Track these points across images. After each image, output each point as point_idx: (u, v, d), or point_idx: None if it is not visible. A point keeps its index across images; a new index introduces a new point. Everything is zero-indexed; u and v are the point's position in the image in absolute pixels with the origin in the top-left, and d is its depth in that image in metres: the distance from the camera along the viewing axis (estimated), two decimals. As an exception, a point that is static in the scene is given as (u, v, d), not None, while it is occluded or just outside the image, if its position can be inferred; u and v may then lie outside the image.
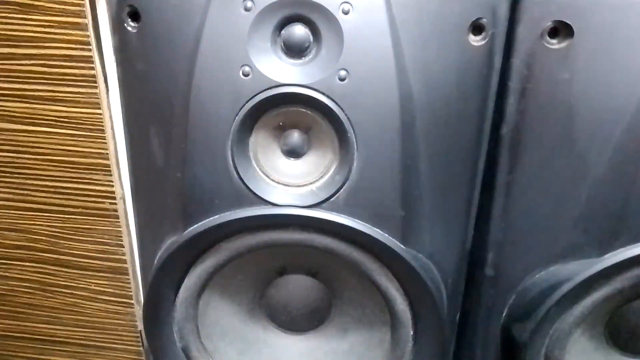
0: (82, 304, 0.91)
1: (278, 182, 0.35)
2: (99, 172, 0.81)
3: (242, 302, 0.43)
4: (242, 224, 0.34)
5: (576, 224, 0.37)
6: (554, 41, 0.36)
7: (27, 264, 0.90)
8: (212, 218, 0.35)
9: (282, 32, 0.33)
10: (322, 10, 0.32)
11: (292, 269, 0.42)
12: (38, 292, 0.92)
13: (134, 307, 0.91)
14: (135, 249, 0.86)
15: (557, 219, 0.38)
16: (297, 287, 0.42)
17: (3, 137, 0.80)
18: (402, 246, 0.36)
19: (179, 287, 0.39)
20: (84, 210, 0.84)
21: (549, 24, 0.36)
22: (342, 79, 0.33)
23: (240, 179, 0.34)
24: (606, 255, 0.36)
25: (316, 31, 0.32)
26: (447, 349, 0.42)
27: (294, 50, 0.33)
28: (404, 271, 0.36)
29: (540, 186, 0.38)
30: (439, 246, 0.39)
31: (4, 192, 0.85)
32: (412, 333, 0.39)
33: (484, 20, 0.35)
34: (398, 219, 0.35)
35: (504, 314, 0.41)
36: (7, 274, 0.92)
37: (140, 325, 0.92)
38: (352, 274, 0.40)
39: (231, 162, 0.34)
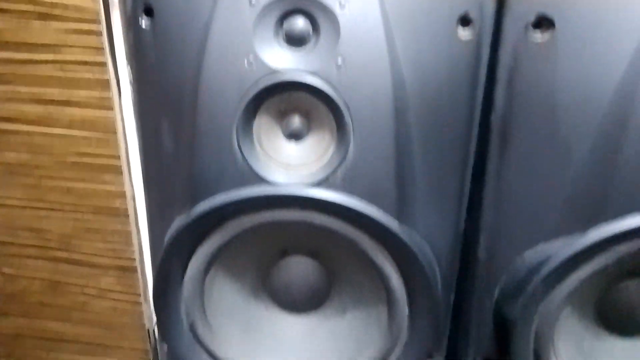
0: (92, 302, 0.94)
1: (280, 163, 0.38)
2: (111, 173, 0.84)
3: (245, 283, 0.45)
4: (245, 202, 0.37)
5: (562, 204, 0.39)
6: (538, 34, 0.39)
7: (40, 262, 0.92)
8: (218, 196, 0.38)
9: (284, 23, 0.36)
10: (320, 4, 0.35)
11: (294, 251, 0.44)
12: (49, 290, 0.95)
13: (141, 306, 0.93)
14: (145, 248, 0.89)
15: (544, 200, 0.40)
16: (299, 268, 0.44)
17: (19, 138, 0.83)
18: (396, 223, 0.38)
19: (186, 266, 0.41)
20: (95, 210, 0.87)
21: (532, 18, 0.38)
22: (339, 66, 0.35)
23: (245, 160, 0.37)
24: (589, 231, 0.37)
25: (315, 23, 0.35)
26: (443, 328, 0.44)
27: (295, 40, 0.35)
28: (398, 248, 0.39)
29: (528, 170, 0.40)
30: (433, 226, 0.41)
31: (19, 192, 0.88)
32: (407, 310, 0.41)
33: (472, 13, 0.38)
34: (393, 197, 0.38)
35: (496, 294, 0.43)
36: (19, 273, 0.94)
37: (147, 324, 0.94)
38: (350, 255, 0.42)
39: (236, 144, 0.37)
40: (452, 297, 0.45)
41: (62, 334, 0.96)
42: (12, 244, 0.92)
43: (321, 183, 0.37)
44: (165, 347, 0.46)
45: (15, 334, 0.99)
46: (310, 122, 0.37)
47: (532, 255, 0.40)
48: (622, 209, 0.37)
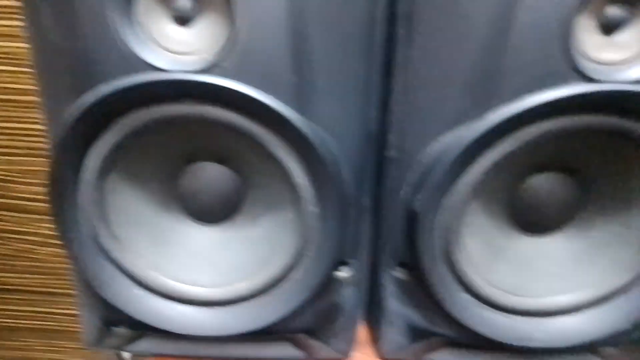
0: (35, 249, 0.91)
1: (167, 49, 0.35)
2: (40, 111, 0.80)
3: (153, 193, 0.43)
4: (128, 90, 0.34)
5: (462, 89, 0.37)
6: None
7: (-24, 209, 0.89)
8: (102, 87, 0.35)
9: None
10: None
11: (201, 158, 0.42)
12: (-11, 238, 0.91)
13: (86, 251, 0.91)
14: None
15: (446, 87, 0.38)
16: (207, 175, 0.42)
17: (-60, 76, 0.78)
18: (295, 114, 0.36)
19: (80, 170, 0.39)
20: (29, 151, 0.84)
21: None
22: None
23: (126, 44, 0.34)
24: (486, 116, 0.36)
25: None
26: (356, 230, 0.43)
27: None
28: (299, 141, 0.37)
29: (432, 54, 0.38)
30: (339, 121, 0.39)
31: (-54, 135, 0.83)
32: (317, 210, 0.39)
33: None
34: (291, 85, 0.36)
35: (405, 191, 0.41)
36: (-43, 221, 0.91)
37: (94, 270, 0.91)
38: (258, 157, 0.40)
39: (118, 27, 0.34)
40: (368, 201, 0.44)
41: (7, 282, 0.94)
42: (-55, 190, 0.88)
43: (211, 69, 0.35)
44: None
45: (-42, 286, 0.96)
46: (201, 3, 0.35)
47: (435, 146, 0.38)
48: (518, 91, 0.35)
